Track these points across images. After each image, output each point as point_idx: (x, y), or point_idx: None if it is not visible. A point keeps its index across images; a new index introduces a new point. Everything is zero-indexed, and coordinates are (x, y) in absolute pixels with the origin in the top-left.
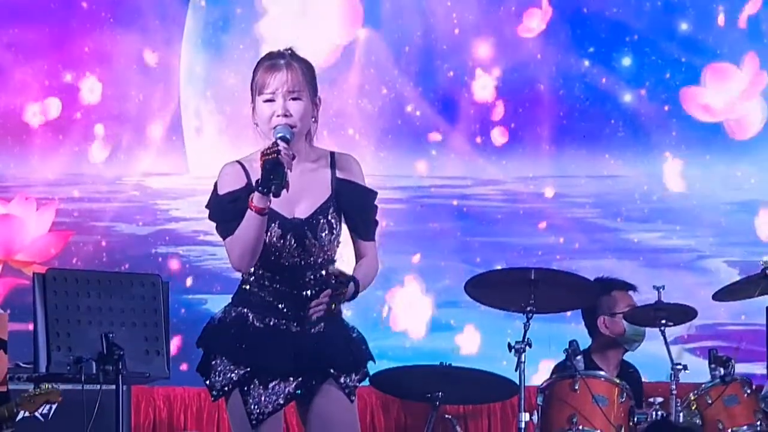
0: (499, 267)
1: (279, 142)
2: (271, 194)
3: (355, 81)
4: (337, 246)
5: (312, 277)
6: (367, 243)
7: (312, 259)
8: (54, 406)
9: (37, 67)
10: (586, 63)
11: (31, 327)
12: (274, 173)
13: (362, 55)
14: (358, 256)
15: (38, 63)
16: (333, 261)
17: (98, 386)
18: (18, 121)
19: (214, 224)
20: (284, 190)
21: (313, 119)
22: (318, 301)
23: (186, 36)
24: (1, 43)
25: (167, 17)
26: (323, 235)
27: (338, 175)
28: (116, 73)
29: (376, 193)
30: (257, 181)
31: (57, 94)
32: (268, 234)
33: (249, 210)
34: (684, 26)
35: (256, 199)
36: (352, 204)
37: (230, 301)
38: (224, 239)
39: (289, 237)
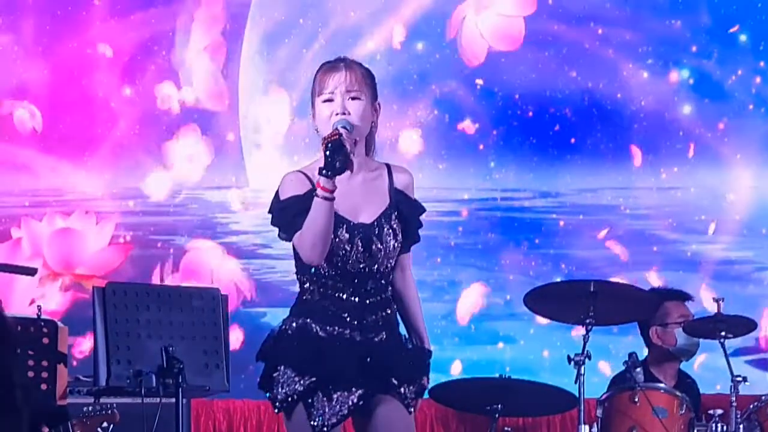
0: (558, 279)
1: (339, 128)
2: (336, 174)
3: (413, 92)
4: (396, 257)
5: (373, 286)
6: (408, 254)
7: (376, 266)
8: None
9: (99, 82)
10: (645, 74)
11: (91, 340)
12: (338, 152)
13: (421, 68)
14: (397, 266)
15: (100, 78)
16: (390, 273)
17: (158, 399)
18: (79, 135)
19: (276, 232)
20: (348, 171)
21: (373, 124)
22: None
23: (245, 48)
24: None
25: (225, 31)
26: (389, 239)
27: (395, 185)
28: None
29: (424, 209)
30: (320, 168)
31: (118, 110)
32: (336, 238)
33: (315, 197)
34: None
35: (322, 181)
36: (406, 217)
37: (289, 313)
38: (291, 239)
39: (356, 241)
